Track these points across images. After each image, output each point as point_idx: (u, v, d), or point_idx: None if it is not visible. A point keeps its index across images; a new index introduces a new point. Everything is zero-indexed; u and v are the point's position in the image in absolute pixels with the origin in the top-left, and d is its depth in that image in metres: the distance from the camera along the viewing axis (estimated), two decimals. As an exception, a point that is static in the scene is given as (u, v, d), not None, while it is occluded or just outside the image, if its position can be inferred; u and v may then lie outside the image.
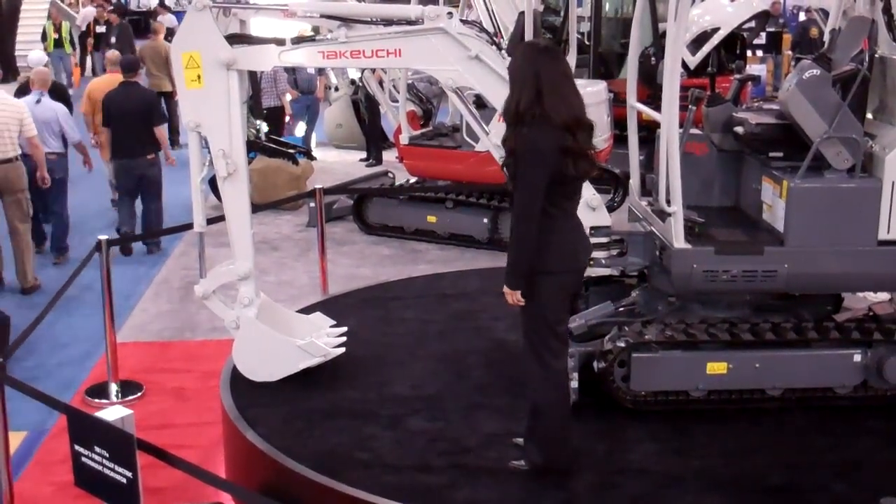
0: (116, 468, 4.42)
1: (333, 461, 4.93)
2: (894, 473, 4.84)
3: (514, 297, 4.55)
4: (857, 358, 5.44)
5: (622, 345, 5.31)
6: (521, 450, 4.90)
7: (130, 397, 6.83)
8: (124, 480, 4.40)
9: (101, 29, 23.59)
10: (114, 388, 6.89)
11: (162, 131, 10.56)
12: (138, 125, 10.19)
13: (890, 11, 5.84)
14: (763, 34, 18.65)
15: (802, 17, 22.01)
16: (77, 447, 4.59)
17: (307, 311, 6.69)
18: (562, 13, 12.26)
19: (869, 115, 5.56)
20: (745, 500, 4.64)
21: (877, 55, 5.55)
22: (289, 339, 5.83)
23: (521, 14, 9.86)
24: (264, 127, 12.79)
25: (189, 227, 6.02)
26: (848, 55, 5.50)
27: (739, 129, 5.67)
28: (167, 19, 23.17)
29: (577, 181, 4.59)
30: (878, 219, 5.23)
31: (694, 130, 5.88)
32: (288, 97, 14.32)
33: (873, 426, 5.34)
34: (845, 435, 5.23)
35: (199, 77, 5.49)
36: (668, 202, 5.22)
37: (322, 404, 5.57)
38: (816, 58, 5.62)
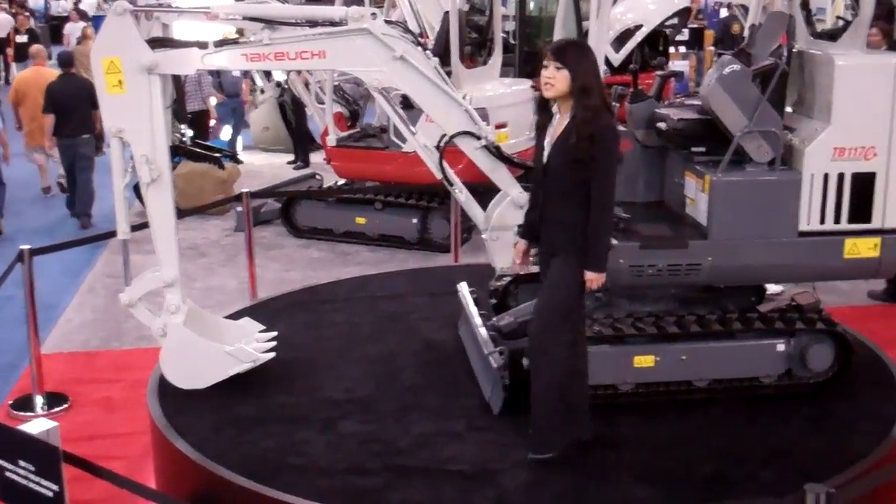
0: (42, 482, 4.34)
1: (265, 467, 4.89)
2: (820, 460, 4.93)
3: (602, 279, 4.71)
4: (781, 347, 5.56)
5: (552, 341, 5.33)
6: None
7: (56, 409, 6.70)
8: (51, 494, 4.32)
9: (21, 38, 22.87)
10: (39, 400, 6.76)
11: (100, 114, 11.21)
12: (79, 110, 11.46)
13: (808, 7, 5.96)
14: (685, 30, 18.93)
15: (724, 13, 22.31)
16: (1, 461, 4.49)
17: (236, 316, 6.63)
18: (487, 12, 12.31)
19: (788, 109, 5.66)
20: (675, 492, 4.69)
21: (795, 49, 5.66)
22: (217, 346, 5.75)
23: (447, 14, 9.88)
24: (189, 131, 12.66)
25: (113, 234, 5.92)
26: (767, 50, 5.59)
27: (662, 125, 5.74)
28: (77, 27, 22.07)
29: None
30: (799, 210, 5.35)
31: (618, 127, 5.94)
32: (213, 100, 14.19)
33: (798, 414, 5.44)
34: (771, 424, 5.33)
35: (120, 82, 5.40)
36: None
37: (252, 410, 5.52)
38: (736, 53, 5.71)
